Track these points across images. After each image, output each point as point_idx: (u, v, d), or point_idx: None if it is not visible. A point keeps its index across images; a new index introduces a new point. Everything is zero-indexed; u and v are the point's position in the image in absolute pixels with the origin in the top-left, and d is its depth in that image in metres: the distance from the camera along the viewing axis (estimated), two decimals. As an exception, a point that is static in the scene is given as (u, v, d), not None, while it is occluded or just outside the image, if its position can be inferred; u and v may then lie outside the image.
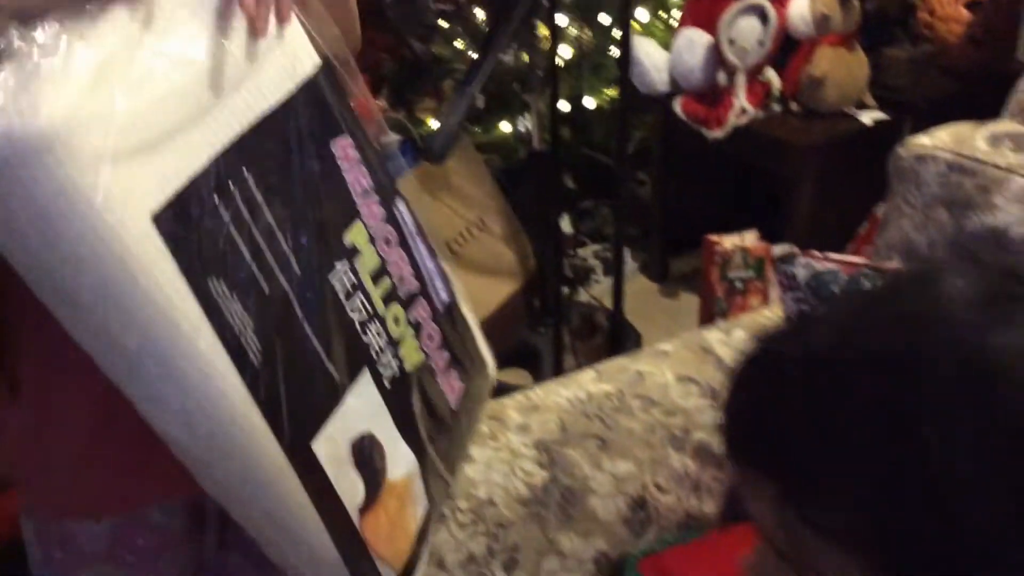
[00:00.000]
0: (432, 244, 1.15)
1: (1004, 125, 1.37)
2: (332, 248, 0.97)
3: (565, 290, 2.46)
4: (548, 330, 2.28)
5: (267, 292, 0.87)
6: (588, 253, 2.76)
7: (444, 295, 1.15)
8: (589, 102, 2.60)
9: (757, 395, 0.61)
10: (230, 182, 0.85)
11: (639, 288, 2.75)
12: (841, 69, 2.37)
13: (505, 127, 2.62)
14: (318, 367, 0.93)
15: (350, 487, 0.97)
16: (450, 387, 1.15)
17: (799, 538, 0.57)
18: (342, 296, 0.97)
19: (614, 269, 2.08)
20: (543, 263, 2.40)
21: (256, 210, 0.87)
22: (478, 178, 2.38)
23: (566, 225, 2.60)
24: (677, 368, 1.35)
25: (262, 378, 0.86)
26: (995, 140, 1.32)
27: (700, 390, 1.28)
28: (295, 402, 0.90)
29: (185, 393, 0.82)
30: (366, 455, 0.99)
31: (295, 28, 0.93)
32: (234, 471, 0.88)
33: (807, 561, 0.57)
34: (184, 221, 0.80)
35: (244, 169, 0.86)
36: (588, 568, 1.23)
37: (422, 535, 1.08)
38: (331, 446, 0.94)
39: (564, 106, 2.49)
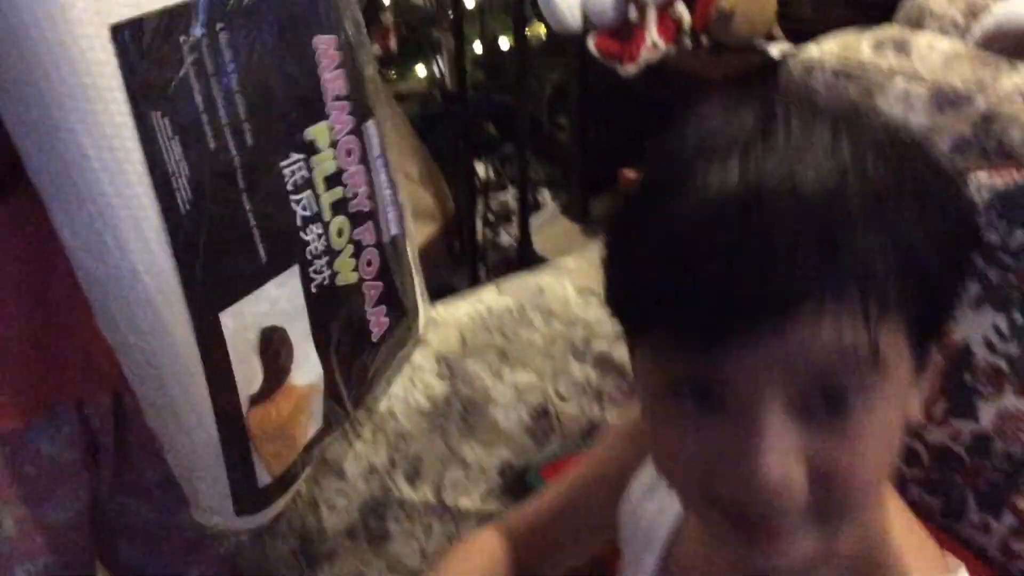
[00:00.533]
0: (394, 176, 1.15)
1: (888, 31, 1.40)
2: (291, 138, 0.97)
3: (485, 232, 2.46)
4: (466, 271, 2.29)
5: (211, 148, 0.87)
6: (510, 196, 2.77)
7: (394, 228, 1.15)
8: (504, 43, 2.59)
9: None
10: (202, 30, 0.85)
11: (561, 229, 2.76)
12: (750, 2, 2.39)
13: (421, 71, 2.61)
14: (246, 242, 0.93)
15: (248, 372, 0.96)
16: (376, 320, 1.14)
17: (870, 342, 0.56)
18: (289, 186, 0.97)
19: (518, 200, 2.09)
20: (461, 206, 2.41)
21: (220, 67, 0.87)
22: (392, 121, 2.36)
23: (483, 169, 2.60)
24: (577, 281, 1.36)
25: (183, 228, 0.86)
26: (879, 46, 1.35)
27: (600, 301, 1.30)
28: (213, 267, 0.89)
29: (101, 213, 0.81)
30: (273, 347, 0.98)
31: None
32: (132, 315, 0.86)
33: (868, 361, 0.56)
34: (141, 44, 0.80)
35: (218, 24, 0.87)
36: (492, 477, 1.24)
37: (307, 450, 1.07)
38: (239, 324, 0.93)
39: (477, 48, 2.48)
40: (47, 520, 1.06)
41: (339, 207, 1.04)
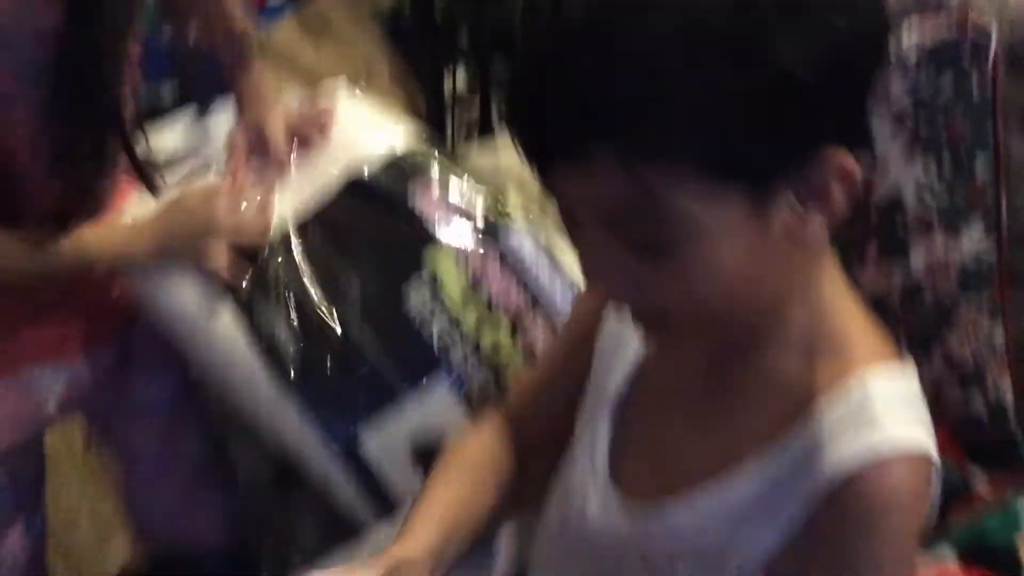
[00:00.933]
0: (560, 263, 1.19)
1: None
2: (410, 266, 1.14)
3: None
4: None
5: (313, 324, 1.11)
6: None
7: (565, 308, 1.16)
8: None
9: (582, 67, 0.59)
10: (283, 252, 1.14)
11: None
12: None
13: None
14: (364, 372, 1.10)
15: (407, 484, 1.08)
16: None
17: (644, 191, 0.59)
18: (418, 322, 1.12)
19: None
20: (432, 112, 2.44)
21: (301, 270, 1.14)
22: (360, 22, 2.37)
23: (454, 81, 2.62)
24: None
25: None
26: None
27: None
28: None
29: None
30: (431, 454, 1.02)
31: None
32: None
33: (653, 212, 0.60)
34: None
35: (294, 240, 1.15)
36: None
37: None
38: (380, 446, 1.09)
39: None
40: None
41: (487, 319, 1.14)
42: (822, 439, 0.67)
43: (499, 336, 1.14)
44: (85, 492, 1.78)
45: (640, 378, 0.82)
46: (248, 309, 1.11)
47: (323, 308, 1.12)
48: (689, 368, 0.78)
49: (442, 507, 0.83)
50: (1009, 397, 1.28)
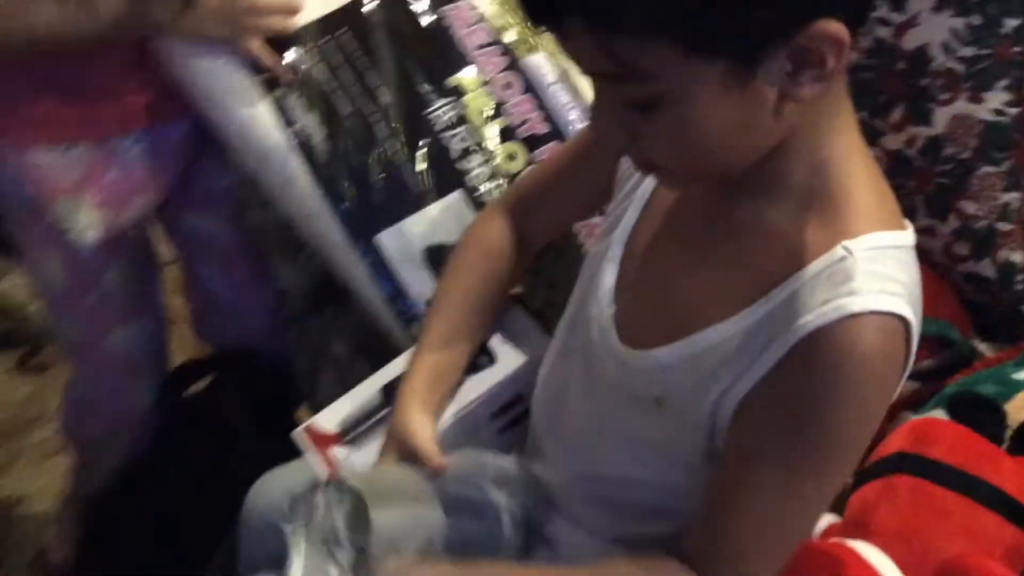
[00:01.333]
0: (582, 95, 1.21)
1: None
2: (434, 90, 1.19)
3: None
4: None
5: (345, 114, 1.17)
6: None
7: None
8: None
9: None
10: (327, 36, 1.18)
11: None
12: None
13: None
14: (392, 179, 1.16)
15: (420, 284, 1.14)
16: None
17: (620, 62, 0.63)
18: (439, 127, 1.18)
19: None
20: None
21: (347, 57, 1.18)
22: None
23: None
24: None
25: (324, 178, 1.15)
26: None
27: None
28: (361, 201, 1.16)
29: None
30: (442, 259, 1.10)
31: None
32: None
33: (634, 78, 0.63)
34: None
35: (339, 31, 1.18)
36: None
37: None
38: (396, 245, 1.15)
39: None
40: (125, 226, 1.27)
41: (507, 135, 1.19)
42: (803, 294, 0.70)
43: (517, 156, 1.19)
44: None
45: (649, 213, 0.85)
46: (282, 104, 1.16)
47: (354, 107, 1.17)
48: (691, 211, 0.81)
49: (452, 316, 0.96)
50: (1019, 260, 1.26)
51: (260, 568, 0.95)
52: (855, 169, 0.73)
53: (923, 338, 1.22)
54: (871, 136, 1.26)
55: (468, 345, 0.97)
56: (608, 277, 0.85)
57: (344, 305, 1.31)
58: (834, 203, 0.71)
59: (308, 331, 1.42)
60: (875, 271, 0.69)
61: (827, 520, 1.06)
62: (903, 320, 0.69)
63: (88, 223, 1.23)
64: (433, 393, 0.94)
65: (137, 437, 1.39)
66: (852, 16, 0.64)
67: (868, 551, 0.96)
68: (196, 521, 1.20)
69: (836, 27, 0.62)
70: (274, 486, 1.00)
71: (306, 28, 1.18)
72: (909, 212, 1.25)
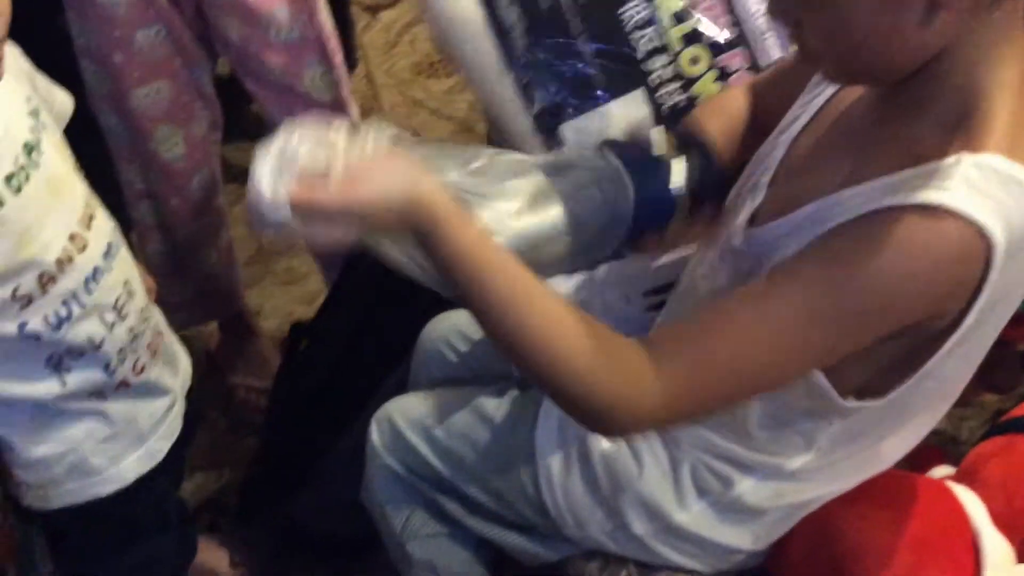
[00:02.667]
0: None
1: None
2: None
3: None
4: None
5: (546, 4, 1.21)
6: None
7: (775, 52, 1.22)
8: None
9: None
10: None
11: None
12: None
13: None
14: (580, 74, 1.21)
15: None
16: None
17: None
18: (629, 26, 1.22)
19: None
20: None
21: None
22: None
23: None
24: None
25: (516, 69, 1.21)
26: None
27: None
28: (546, 92, 1.20)
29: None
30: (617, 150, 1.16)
31: None
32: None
33: None
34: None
35: None
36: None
37: None
38: (579, 137, 1.20)
39: None
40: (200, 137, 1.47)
41: (692, 39, 1.21)
42: (900, 181, 0.73)
43: (700, 60, 1.22)
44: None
45: (816, 122, 0.90)
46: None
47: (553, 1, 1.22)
48: (848, 123, 0.86)
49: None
50: None
51: (422, 385, 1.15)
52: (1010, 101, 0.74)
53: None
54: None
55: None
56: (765, 176, 0.90)
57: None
58: (973, 124, 0.73)
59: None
60: (974, 181, 0.70)
61: (943, 471, 1.09)
62: (982, 234, 0.69)
63: None
64: None
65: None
66: None
67: (966, 496, 0.99)
68: (380, 348, 1.37)
69: None
70: (444, 323, 1.21)
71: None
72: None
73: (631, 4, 1.23)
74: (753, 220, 0.88)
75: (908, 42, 0.72)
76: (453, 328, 1.20)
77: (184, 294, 1.63)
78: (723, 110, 1.03)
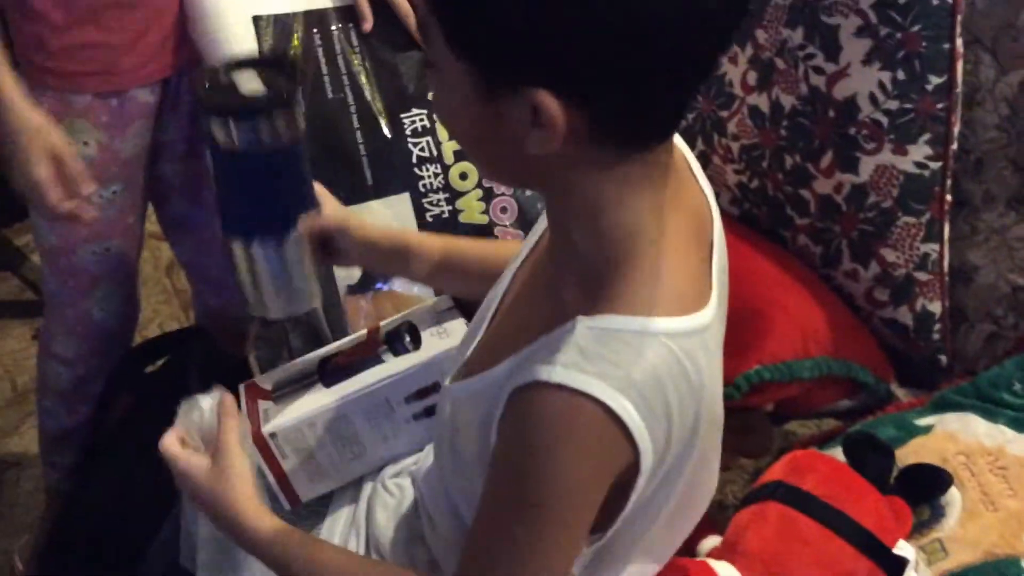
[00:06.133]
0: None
1: None
2: (413, 96, 1.27)
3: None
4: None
5: (329, 96, 1.25)
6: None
7: None
8: None
9: None
10: (337, 24, 1.26)
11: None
12: None
13: None
14: (353, 165, 1.25)
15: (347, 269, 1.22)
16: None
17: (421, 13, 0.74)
18: (408, 132, 1.26)
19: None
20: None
21: (344, 48, 1.26)
22: None
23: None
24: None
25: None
26: None
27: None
28: (322, 177, 1.14)
29: None
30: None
31: None
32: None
33: (425, 32, 0.70)
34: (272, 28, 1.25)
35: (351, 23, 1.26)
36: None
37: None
38: None
39: None
40: (120, 152, 1.32)
41: (463, 155, 1.26)
42: (533, 354, 0.71)
43: (468, 176, 1.27)
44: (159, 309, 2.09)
45: (533, 249, 0.88)
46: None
47: (337, 94, 1.25)
48: (541, 258, 0.84)
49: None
50: (937, 310, 1.29)
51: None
52: (643, 248, 0.72)
53: (838, 379, 1.29)
54: (803, 179, 1.31)
55: None
56: (486, 317, 0.88)
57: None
58: (603, 277, 0.72)
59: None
60: (586, 349, 0.68)
61: (711, 543, 1.11)
62: (601, 405, 0.67)
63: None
64: None
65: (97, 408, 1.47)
66: (569, 94, 0.64)
67: (727, 571, 1.01)
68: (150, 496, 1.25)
69: (545, 99, 0.64)
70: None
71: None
72: (835, 256, 1.31)
73: (413, 112, 1.27)
74: (461, 371, 0.86)
75: (507, 156, 0.71)
76: None
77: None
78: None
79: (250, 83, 0.94)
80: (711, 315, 0.74)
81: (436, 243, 1.04)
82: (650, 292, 0.71)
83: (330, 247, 1.02)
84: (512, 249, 0.95)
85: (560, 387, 0.67)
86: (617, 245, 0.71)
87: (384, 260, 1.06)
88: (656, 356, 0.69)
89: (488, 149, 0.73)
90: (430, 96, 0.77)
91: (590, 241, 0.72)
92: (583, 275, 0.73)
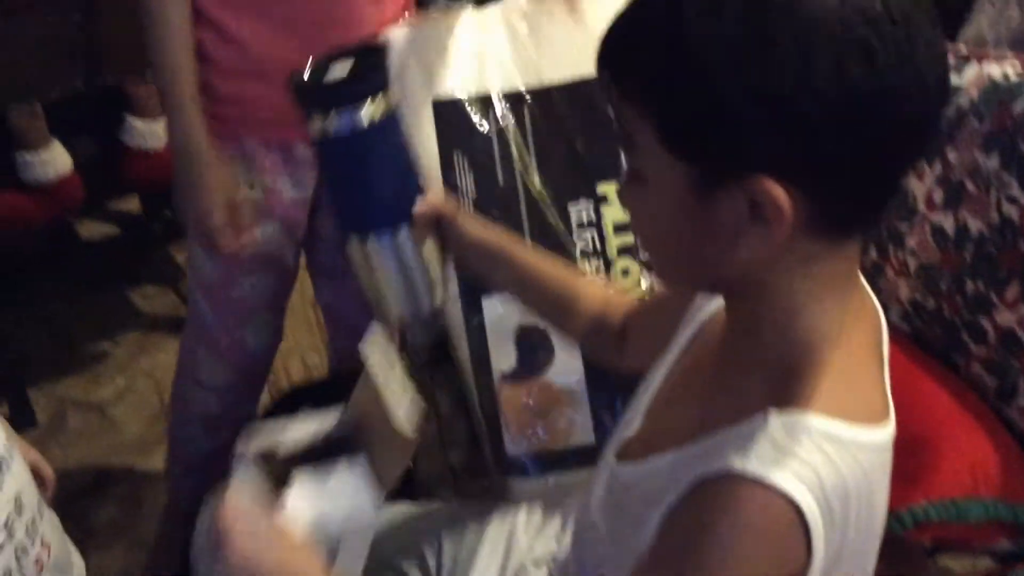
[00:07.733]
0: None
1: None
2: (582, 186, 1.26)
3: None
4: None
5: (500, 184, 1.25)
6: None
7: None
8: None
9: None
10: (505, 105, 1.26)
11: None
12: None
13: None
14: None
15: (503, 354, 1.23)
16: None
17: (622, 119, 0.69)
18: (574, 223, 1.26)
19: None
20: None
21: (519, 132, 1.26)
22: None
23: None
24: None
25: None
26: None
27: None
28: None
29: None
30: (530, 343, 1.22)
31: None
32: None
33: (629, 139, 0.69)
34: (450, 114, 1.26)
35: (525, 104, 1.26)
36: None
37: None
38: (497, 314, 1.23)
39: None
40: (283, 196, 1.37)
41: (627, 252, 1.25)
42: (717, 445, 0.69)
43: (630, 272, 1.25)
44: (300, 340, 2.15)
45: (693, 343, 0.86)
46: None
47: (507, 181, 1.26)
48: (711, 351, 0.81)
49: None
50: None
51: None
52: (831, 355, 0.70)
53: (999, 521, 1.22)
54: (984, 308, 1.25)
55: None
56: (645, 398, 0.87)
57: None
58: (790, 379, 0.70)
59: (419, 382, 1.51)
60: (783, 446, 0.67)
61: None
62: (792, 504, 0.65)
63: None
64: None
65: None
66: (797, 177, 0.63)
67: None
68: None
69: (772, 187, 0.63)
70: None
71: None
72: (1010, 390, 1.24)
73: (580, 203, 1.26)
74: (625, 451, 0.84)
75: (713, 259, 0.69)
76: None
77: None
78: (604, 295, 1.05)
79: (340, 72, 0.98)
80: (891, 432, 0.72)
81: (528, 259, 1.06)
82: (843, 396, 0.69)
83: (441, 233, 1.05)
84: (590, 288, 1.04)
85: (754, 481, 0.66)
86: (812, 347, 0.70)
87: (478, 259, 1.08)
88: (847, 467, 0.67)
89: (690, 256, 0.71)
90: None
91: (783, 344, 0.70)
92: (772, 369, 0.71)
